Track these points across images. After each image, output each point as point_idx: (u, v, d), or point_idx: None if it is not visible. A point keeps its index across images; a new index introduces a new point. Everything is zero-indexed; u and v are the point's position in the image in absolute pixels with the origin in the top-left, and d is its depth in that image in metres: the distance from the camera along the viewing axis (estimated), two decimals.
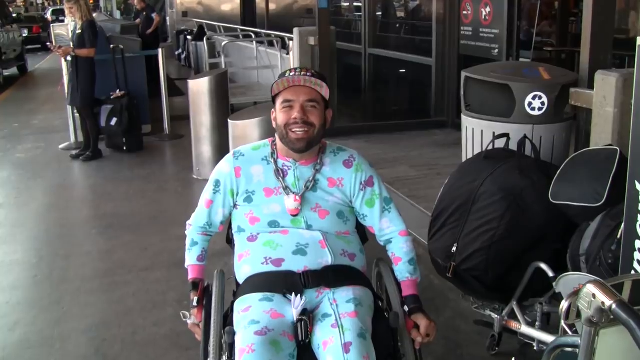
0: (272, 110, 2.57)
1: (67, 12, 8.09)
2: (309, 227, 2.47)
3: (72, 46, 7.80)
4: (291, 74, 2.48)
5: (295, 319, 2.19)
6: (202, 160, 7.05)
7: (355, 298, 2.29)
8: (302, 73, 2.47)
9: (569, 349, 1.47)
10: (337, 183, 2.55)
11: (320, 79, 2.48)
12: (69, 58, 7.89)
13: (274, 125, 2.54)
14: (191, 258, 2.64)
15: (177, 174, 7.50)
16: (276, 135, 2.56)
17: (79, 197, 6.93)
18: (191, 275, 2.61)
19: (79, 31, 7.70)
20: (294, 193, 2.48)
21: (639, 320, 1.24)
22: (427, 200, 5.15)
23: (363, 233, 2.75)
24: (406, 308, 2.44)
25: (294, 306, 2.22)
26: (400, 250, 2.59)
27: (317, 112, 2.47)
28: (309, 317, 2.19)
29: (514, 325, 3.33)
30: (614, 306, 1.27)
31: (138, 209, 6.20)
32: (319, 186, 2.53)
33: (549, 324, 3.32)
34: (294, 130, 2.44)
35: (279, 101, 2.50)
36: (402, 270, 2.55)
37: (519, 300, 3.33)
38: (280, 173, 2.53)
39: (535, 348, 3.24)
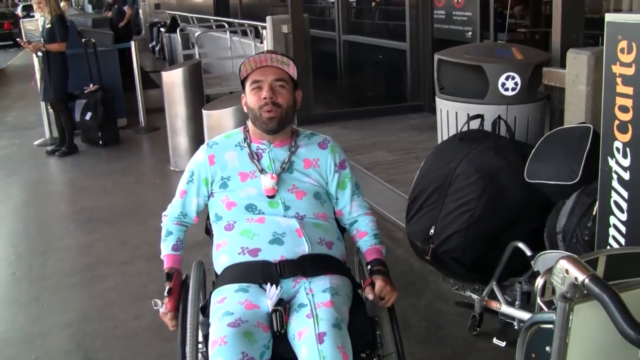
0: (242, 95, 2.57)
1: (35, 7, 8.01)
2: (286, 209, 2.46)
3: (42, 41, 7.72)
4: (257, 55, 2.50)
5: (270, 310, 2.17)
6: (178, 151, 7.02)
7: (331, 287, 2.27)
8: (269, 53, 2.50)
9: (545, 326, 1.48)
10: (312, 164, 2.56)
11: (287, 59, 2.52)
12: (39, 53, 7.81)
13: (245, 109, 2.55)
14: (166, 248, 2.62)
15: (154, 166, 7.46)
16: (248, 121, 2.58)
17: (56, 193, 6.87)
18: (166, 265, 2.59)
19: (48, 26, 7.61)
20: (269, 172, 2.48)
21: (612, 294, 1.25)
22: (405, 184, 5.16)
23: None
24: (369, 267, 2.45)
25: (268, 296, 2.19)
26: (365, 226, 2.62)
27: (286, 92, 2.49)
28: (285, 307, 2.17)
29: (494, 305, 3.35)
30: (586, 281, 1.27)
31: (116, 202, 6.16)
32: (294, 167, 2.53)
33: (529, 302, 3.34)
34: (264, 110, 2.45)
35: (247, 83, 2.52)
36: (367, 241, 2.58)
37: (499, 280, 3.35)
38: (255, 156, 2.53)
39: (515, 327, 3.26)
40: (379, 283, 2.37)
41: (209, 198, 2.60)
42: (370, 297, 2.32)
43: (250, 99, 2.50)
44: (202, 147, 2.63)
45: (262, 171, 2.49)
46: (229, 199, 2.50)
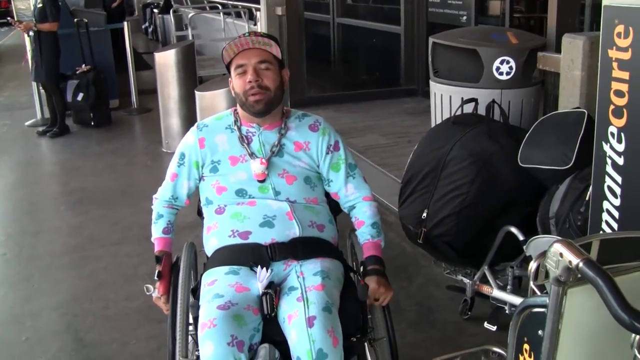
0: (229, 79, 2.54)
1: None
2: (276, 194, 2.44)
3: (34, 21, 7.65)
4: (239, 38, 2.46)
5: (260, 293, 2.16)
6: (170, 133, 6.99)
7: (322, 270, 2.25)
8: (250, 36, 2.46)
9: (538, 309, 1.47)
10: (303, 147, 2.52)
11: (269, 39, 2.47)
12: (31, 33, 7.75)
13: (233, 94, 2.52)
14: (157, 231, 2.60)
15: (146, 147, 7.43)
16: (237, 104, 2.54)
17: (47, 174, 6.84)
18: (157, 248, 2.57)
19: (40, 5, 7.56)
20: (259, 157, 2.46)
21: (606, 278, 1.23)
22: (398, 167, 5.16)
23: (337, 204, 2.73)
24: (362, 268, 2.43)
25: (259, 279, 2.18)
26: (363, 214, 2.57)
27: (271, 73, 2.45)
28: (275, 290, 2.15)
29: (485, 289, 3.35)
30: (581, 264, 1.26)
31: (107, 183, 6.14)
32: (285, 151, 2.50)
33: (520, 287, 3.35)
34: (250, 93, 2.42)
35: (232, 68, 2.49)
36: (364, 232, 2.53)
37: (490, 265, 3.35)
38: (245, 139, 2.50)
39: (507, 311, 3.26)
40: (372, 285, 2.33)
41: (199, 181, 2.58)
42: (368, 302, 2.29)
43: (236, 83, 2.47)
44: (192, 130, 2.60)
45: (252, 155, 2.47)
46: (219, 184, 2.48)
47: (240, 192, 2.45)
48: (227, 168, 2.48)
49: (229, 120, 2.57)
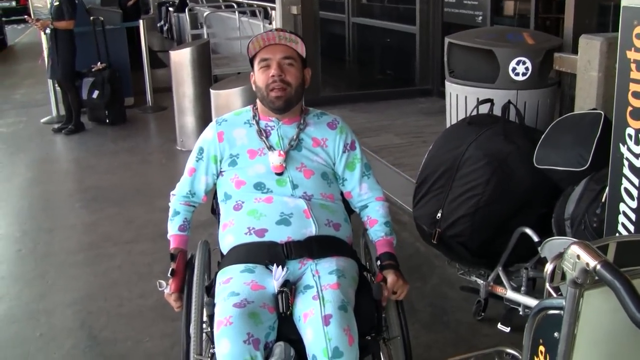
0: (251, 73, 2.55)
1: None
2: (294, 188, 2.44)
3: (50, 19, 7.69)
4: (265, 33, 2.48)
5: (276, 291, 2.16)
6: (185, 131, 7.01)
7: (338, 269, 2.25)
8: (277, 31, 2.48)
9: (554, 311, 1.46)
10: (321, 143, 2.54)
11: (295, 36, 2.50)
12: (47, 31, 7.79)
13: (254, 88, 2.54)
14: (173, 228, 2.60)
15: (161, 145, 7.45)
16: (257, 100, 2.55)
17: (62, 171, 6.87)
18: (172, 245, 2.57)
19: (56, 3, 7.60)
20: (278, 150, 2.47)
21: (624, 281, 1.23)
22: (413, 167, 5.14)
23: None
24: (379, 262, 2.44)
25: (274, 277, 2.18)
26: (376, 213, 2.59)
27: (294, 70, 2.47)
28: (291, 288, 2.15)
29: (499, 290, 3.34)
30: (598, 267, 1.26)
31: (122, 181, 6.16)
32: (303, 145, 2.52)
33: (534, 288, 3.34)
34: (272, 88, 2.44)
35: (256, 62, 2.51)
36: (378, 230, 2.55)
37: (505, 266, 3.33)
38: (264, 133, 2.52)
39: (520, 313, 3.25)
40: (390, 278, 2.36)
41: (217, 177, 2.59)
42: (385, 293, 2.30)
43: (259, 77, 2.49)
44: (211, 125, 2.62)
45: (270, 148, 2.48)
46: (238, 178, 2.49)
47: (259, 186, 2.45)
48: (246, 161, 2.49)
49: (248, 115, 2.58)
